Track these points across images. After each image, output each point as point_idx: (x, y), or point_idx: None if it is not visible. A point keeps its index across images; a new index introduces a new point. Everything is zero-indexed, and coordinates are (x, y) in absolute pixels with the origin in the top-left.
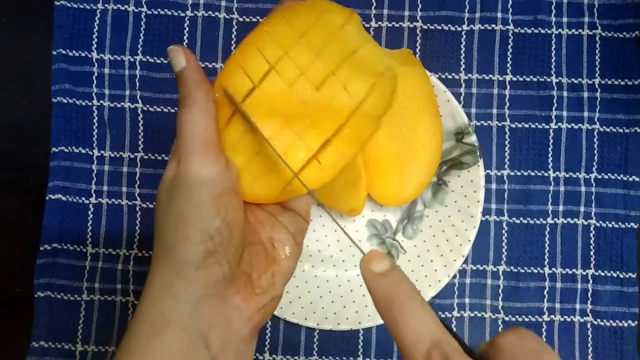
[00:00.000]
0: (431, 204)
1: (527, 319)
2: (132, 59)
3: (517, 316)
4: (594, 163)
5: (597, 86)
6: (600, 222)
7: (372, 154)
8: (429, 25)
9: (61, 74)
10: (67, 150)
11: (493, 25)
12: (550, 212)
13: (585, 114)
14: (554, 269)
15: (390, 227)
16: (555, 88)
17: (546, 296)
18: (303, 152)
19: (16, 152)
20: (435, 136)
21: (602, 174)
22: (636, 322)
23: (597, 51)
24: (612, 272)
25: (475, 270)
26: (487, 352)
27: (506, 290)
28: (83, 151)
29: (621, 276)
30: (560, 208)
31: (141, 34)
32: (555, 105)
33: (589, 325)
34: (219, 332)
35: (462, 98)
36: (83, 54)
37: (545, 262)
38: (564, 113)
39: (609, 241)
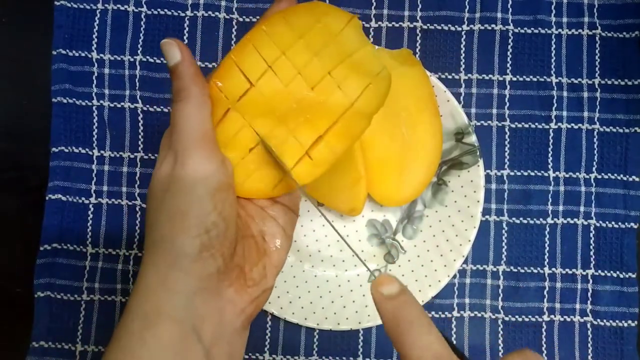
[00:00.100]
0: (431, 204)
1: (527, 319)
2: (132, 59)
3: (517, 316)
4: (594, 163)
5: (597, 86)
6: (600, 222)
7: (372, 154)
8: (429, 25)
9: (61, 74)
10: (67, 150)
11: (493, 25)
12: (550, 212)
13: (585, 114)
14: (554, 269)
15: (390, 227)
16: (555, 88)
17: (546, 296)
18: (296, 149)
19: (16, 152)
20: (435, 136)
21: (602, 174)
22: (636, 322)
23: (597, 51)
24: (612, 272)
25: (475, 270)
26: None
27: (506, 290)
28: (83, 151)
29: (621, 276)
30: (560, 208)
31: (141, 34)
32: (555, 105)
33: (589, 325)
34: (211, 324)
35: (462, 98)
36: (83, 54)
37: (545, 262)
38: (564, 113)
39: (609, 241)
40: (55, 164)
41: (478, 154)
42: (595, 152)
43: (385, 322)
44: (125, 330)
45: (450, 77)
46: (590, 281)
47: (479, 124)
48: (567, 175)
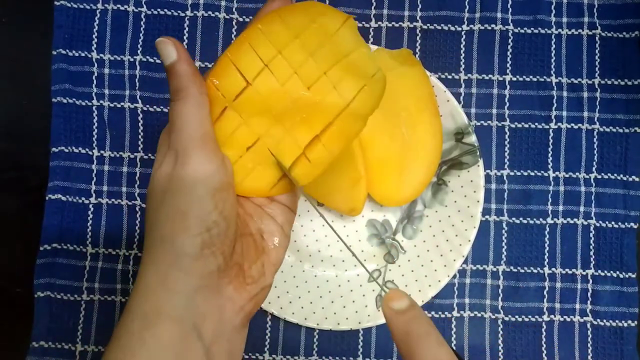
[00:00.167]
0: (431, 204)
1: (527, 319)
2: (132, 59)
3: (516, 316)
4: (594, 163)
5: (596, 86)
6: (600, 222)
7: (372, 154)
8: (429, 25)
9: (61, 74)
10: (67, 150)
11: (493, 25)
12: (550, 212)
13: (585, 114)
14: (553, 269)
15: (390, 227)
16: (555, 88)
17: (546, 296)
18: (292, 148)
19: (16, 152)
20: (435, 136)
21: (602, 174)
22: (636, 322)
23: (597, 51)
24: (612, 272)
25: (475, 270)
26: None
27: (506, 290)
28: (83, 151)
29: (621, 276)
30: (560, 208)
31: (141, 34)
32: (555, 105)
33: (588, 325)
34: (212, 322)
35: (462, 98)
36: (83, 54)
37: (545, 262)
38: (564, 113)
39: (608, 241)
40: (55, 164)
41: (478, 154)
42: (595, 152)
43: (396, 336)
44: (125, 330)
45: (450, 77)
46: (590, 281)
47: (479, 124)
48: (567, 175)
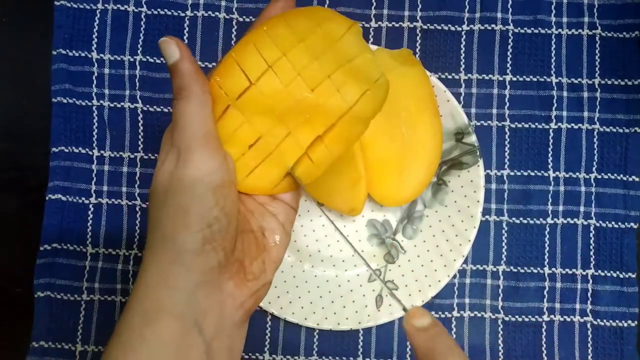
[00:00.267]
0: (431, 204)
1: (527, 319)
2: (132, 59)
3: (517, 316)
4: (594, 163)
5: (597, 86)
6: (600, 222)
7: (372, 154)
8: (429, 25)
9: (61, 74)
10: (67, 150)
11: (493, 25)
12: (550, 212)
13: (585, 114)
14: (553, 269)
15: (390, 227)
16: (555, 88)
17: (546, 296)
18: (294, 148)
19: (16, 152)
20: (435, 136)
21: (602, 174)
22: (636, 322)
23: (597, 51)
24: (612, 272)
25: (475, 270)
26: None
27: (506, 290)
28: (83, 151)
29: (621, 276)
30: (560, 208)
31: (141, 34)
32: (555, 105)
33: (589, 325)
34: (212, 318)
35: (462, 98)
36: (83, 54)
37: (545, 262)
38: (564, 113)
39: (608, 241)
40: (55, 164)
41: (478, 154)
42: (595, 152)
43: (419, 353)
44: (125, 327)
45: (450, 77)
46: (590, 281)
47: (479, 124)
48: (567, 175)
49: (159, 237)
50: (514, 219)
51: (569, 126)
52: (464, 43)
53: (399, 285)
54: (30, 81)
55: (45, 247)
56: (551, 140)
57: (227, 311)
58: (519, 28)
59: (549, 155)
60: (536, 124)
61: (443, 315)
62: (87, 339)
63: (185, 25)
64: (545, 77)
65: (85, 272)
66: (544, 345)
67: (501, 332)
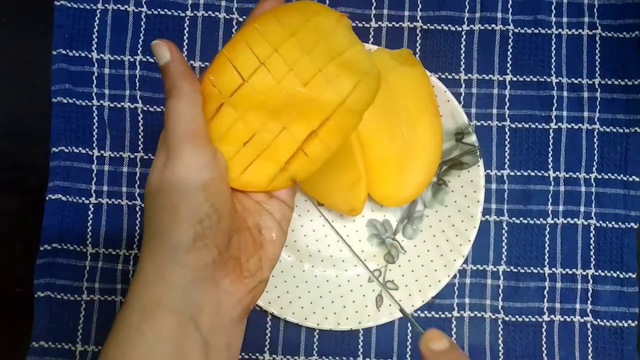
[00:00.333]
0: (431, 204)
1: (527, 319)
2: (132, 59)
3: (517, 316)
4: (594, 163)
5: (597, 86)
6: (600, 222)
7: (372, 154)
8: (429, 25)
9: (61, 74)
10: (67, 150)
11: (493, 25)
12: (550, 212)
13: (585, 114)
14: (554, 269)
15: (390, 227)
16: (555, 88)
17: (546, 296)
18: (289, 142)
19: (16, 152)
20: (435, 136)
21: (602, 174)
22: (636, 322)
23: (597, 51)
24: (612, 272)
25: (475, 270)
26: None
27: (506, 290)
28: (83, 151)
29: (621, 276)
30: (560, 208)
31: (141, 34)
32: (555, 105)
33: (589, 325)
34: (209, 314)
35: (462, 98)
36: (83, 54)
37: (545, 262)
38: (564, 113)
39: (609, 241)
40: (55, 164)
41: (478, 154)
42: (595, 152)
43: None
44: (123, 322)
45: (450, 77)
46: (591, 281)
47: (479, 124)
48: (567, 175)
49: (153, 233)
50: (514, 219)
51: (569, 126)
52: (464, 43)
53: (399, 285)
54: (30, 81)
55: (45, 247)
56: (551, 140)
57: (224, 308)
58: (519, 28)
59: (549, 155)
60: (536, 124)
61: (443, 315)
62: (87, 339)
63: (185, 25)
64: (545, 77)
65: (85, 272)
66: (544, 345)
67: (501, 332)
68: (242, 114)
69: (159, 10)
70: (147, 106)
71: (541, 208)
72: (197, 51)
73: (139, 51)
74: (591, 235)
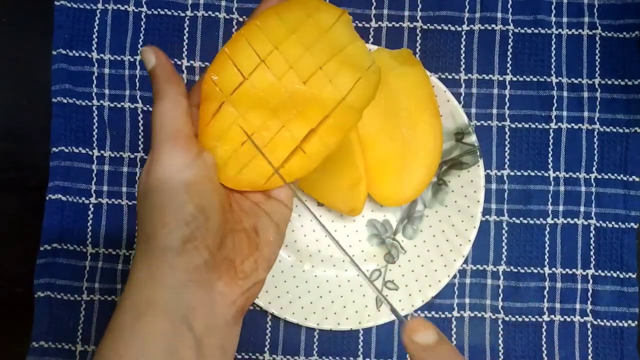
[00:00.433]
0: (431, 204)
1: (527, 319)
2: (132, 59)
3: (517, 316)
4: (594, 163)
5: (597, 86)
6: (600, 222)
7: (372, 154)
8: (429, 25)
9: (61, 74)
10: (67, 150)
11: (493, 25)
12: (550, 212)
13: (585, 114)
14: (554, 269)
15: (390, 227)
16: (555, 88)
17: (546, 296)
18: (288, 141)
19: (16, 152)
20: (436, 136)
21: (602, 174)
22: (636, 322)
23: (597, 51)
24: (612, 272)
25: (475, 270)
26: None
27: (506, 290)
28: (83, 151)
29: (621, 276)
30: (560, 208)
31: (141, 34)
32: (555, 105)
33: (589, 325)
34: (202, 315)
35: (462, 98)
36: (83, 54)
37: (545, 262)
38: (564, 113)
39: (609, 241)
40: (55, 164)
41: (478, 154)
42: (595, 152)
43: None
44: (117, 322)
45: (450, 77)
46: (591, 281)
47: (479, 124)
48: (567, 175)
49: (144, 236)
50: (514, 219)
51: (569, 126)
52: (464, 43)
53: (399, 285)
54: (30, 81)
55: (45, 247)
56: (551, 140)
57: (217, 309)
58: (519, 28)
59: (549, 155)
60: (536, 124)
61: (443, 316)
62: (87, 339)
63: (185, 25)
64: (545, 77)
65: (85, 272)
66: (544, 345)
67: (501, 332)
68: (242, 113)
69: (159, 10)
70: (147, 106)
71: (541, 208)
72: (197, 51)
73: (139, 51)
74: (591, 235)
